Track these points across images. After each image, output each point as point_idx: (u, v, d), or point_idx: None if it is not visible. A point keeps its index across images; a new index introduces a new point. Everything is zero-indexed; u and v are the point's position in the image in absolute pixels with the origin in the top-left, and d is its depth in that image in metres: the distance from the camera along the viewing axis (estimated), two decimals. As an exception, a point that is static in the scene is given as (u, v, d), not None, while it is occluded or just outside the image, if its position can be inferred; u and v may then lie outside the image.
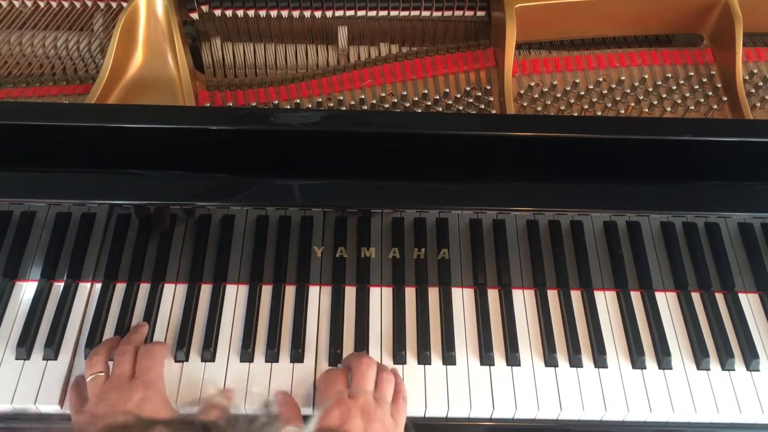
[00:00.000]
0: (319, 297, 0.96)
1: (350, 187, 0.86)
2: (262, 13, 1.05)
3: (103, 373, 0.84)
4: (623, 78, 1.04)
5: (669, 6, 1.05)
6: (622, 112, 1.01)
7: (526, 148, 0.86)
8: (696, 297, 0.97)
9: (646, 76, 1.03)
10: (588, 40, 1.10)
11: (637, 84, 1.02)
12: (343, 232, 0.93)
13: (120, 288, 0.96)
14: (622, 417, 0.88)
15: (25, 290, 0.95)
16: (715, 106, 1.01)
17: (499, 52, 1.01)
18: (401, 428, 0.83)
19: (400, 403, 0.84)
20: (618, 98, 1.01)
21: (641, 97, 1.02)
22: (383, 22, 1.08)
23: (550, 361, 0.91)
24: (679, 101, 1.01)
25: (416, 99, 1.00)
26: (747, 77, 1.04)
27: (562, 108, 1.01)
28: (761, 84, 1.04)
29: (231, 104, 1.01)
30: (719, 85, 1.03)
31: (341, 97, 1.00)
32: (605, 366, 0.91)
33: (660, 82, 1.03)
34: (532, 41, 1.08)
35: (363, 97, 1.01)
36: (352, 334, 0.92)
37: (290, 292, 0.96)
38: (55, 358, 0.89)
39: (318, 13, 1.05)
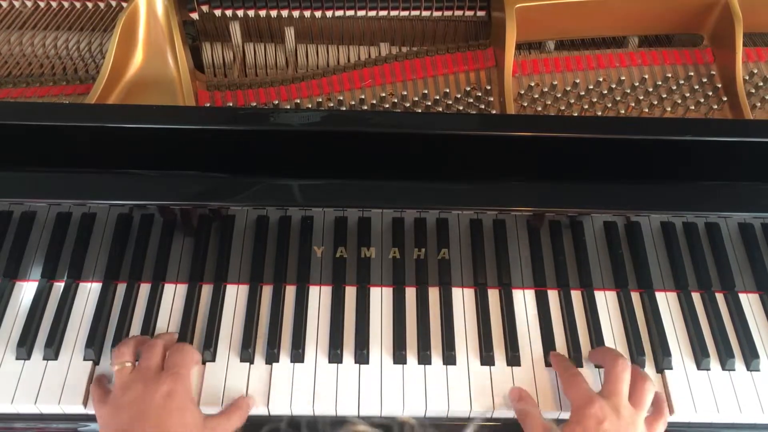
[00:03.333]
0: (319, 297, 0.96)
1: (350, 187, 0.86)
2: (263, 13, 1.05)
3: (130, 363, 0.83)
4: (623, 78, 1.04)
5: (669, 6, 1.05)
6: (622, 112, 1.01)
7: (526, 148, 0.86)
8: (696, 297, 0.97)
9: (646, 76, 1.03)
10: (588, 40, 1.10)
11: (637, 84, 1.02)
12: (343, 232, 0.93)
13: (120, 288, 0.96)
14: (622, 417, 0.88)
15: (25, 290, 0.95)
16: (715, 106, 1.01)
17: (499, 52, 1.01)
18: None
19: (657, 419, 0.84)
20: (618, 98, 1.01)
21: (641, 97, 1.02)
22: (383, 22, 1.08)
23: (551, 361, 0.91)
24: (679, 101, 1.01)
25: (416, 99, 1.00)
26: (747, 77, 1.04)
27: (562, 108, 1.01)
28: (761, 84, 1.04)
29: (231, 104, 1.01)
30: (719, 85, 1.03)
31: (341, 97, 1.00)
32: (605, 366, 0.91)
33: (660, 82, 1.03)
34: (532, 41, 1.08)
35: (363, 97, 1.01)
36: (352, 334, 0.92)
37: (290, 292, 0.96)
38: (56, 358, 0.89)
39: (318, 14, 1.05)
